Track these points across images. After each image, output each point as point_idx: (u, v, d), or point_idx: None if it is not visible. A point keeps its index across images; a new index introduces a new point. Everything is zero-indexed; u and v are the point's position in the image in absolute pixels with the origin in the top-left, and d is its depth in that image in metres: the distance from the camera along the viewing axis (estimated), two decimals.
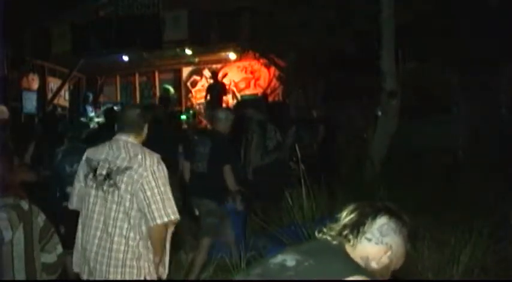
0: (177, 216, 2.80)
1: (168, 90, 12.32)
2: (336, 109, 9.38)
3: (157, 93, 13.16)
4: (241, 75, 12.66)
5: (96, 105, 12.90)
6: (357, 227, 1.65)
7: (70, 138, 5.05)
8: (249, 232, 5.33)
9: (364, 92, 9.00)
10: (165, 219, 2.74)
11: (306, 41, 9.37)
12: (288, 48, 10.51)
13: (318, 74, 10.62)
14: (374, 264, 1.63)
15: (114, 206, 2.77)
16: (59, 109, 12.38)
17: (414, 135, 8.45)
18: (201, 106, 12.54)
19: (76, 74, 13.20)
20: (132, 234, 2.77)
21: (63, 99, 13.12)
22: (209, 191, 4.78)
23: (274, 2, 9.46)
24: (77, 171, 3.02)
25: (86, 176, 2.90)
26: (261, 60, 12.01)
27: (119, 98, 13.67)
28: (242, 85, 12.62)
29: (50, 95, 12.66)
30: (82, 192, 2.92)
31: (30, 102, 12.10)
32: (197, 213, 4.96)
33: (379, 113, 8.11)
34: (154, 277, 2.89)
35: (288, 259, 1.58)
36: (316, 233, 1.72)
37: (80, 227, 2.88)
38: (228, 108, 9.07)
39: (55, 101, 12.63)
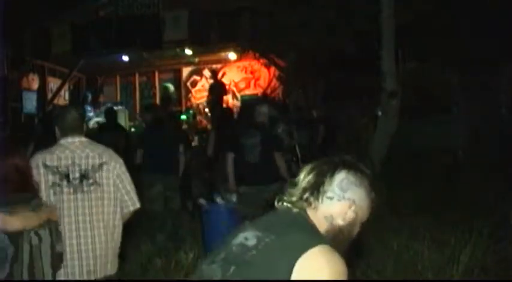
0: None
1: (168, 88, 12.30)
2: (336, 109, 9.38)
3: (158, 93, 13.17)
4: (241, 75, 12.66)
5: (95, 105, 12.91)
6: (316, 188, 1.59)
7: None
8: None
9: (364, 92, 9.00)
10: (139, 204, 3.05)
11: (306, 41, 9.37)
12: (288, 48, 10.51)
13: (318, 74, 10.62)
14: (340, 221, 1.59)
15: (100, 202, 2.90)
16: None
17: (414, 135, 8.46)
18: (201, 106, 12.55)
19: (76, 74, 13.20)
20: (117, 222, 2.98)
21: (63, 99, 13.12)
22: (267, 178, 5.07)
23: (274, 2, 9.46)
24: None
25: (55, 185, 2.86)
26: (261, 60, 12.01)
27: (118, 98, 13.67)
28: (242, 85, 12.62)
29: (50, 95, 12.65)
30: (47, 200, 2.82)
31: (30, 102, 12.09)
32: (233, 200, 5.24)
33: (379, 113, 8.12)
34: None
35: (249, 237, 1.52)
36: (275, 203, 1.64)
37: (64, 236, 2.79)
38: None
39: (55, 101, 12.63)
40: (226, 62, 12.48)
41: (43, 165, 2.86)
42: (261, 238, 1.50)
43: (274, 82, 12.13)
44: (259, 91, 12.18)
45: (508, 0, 7.95)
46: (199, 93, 12.95)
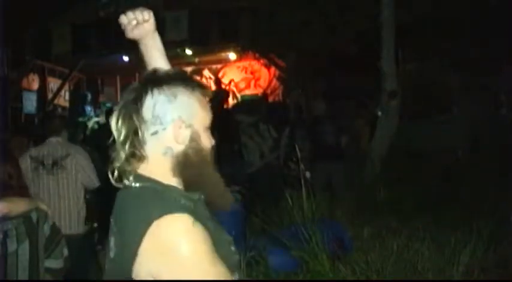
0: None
1: None
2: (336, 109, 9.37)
3: None
4: (241, 75, 12.66)
5: (95, 105, 12.92)
6: (133, 135, 1.26)
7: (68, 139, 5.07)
8: (249, 233, 5.33)
9: (364, 92, 9.00)
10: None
11: (306, 41, 9.37)
12: (288, 48, 10.51)
13: (318, 74, 10.62)
14: (178, 147, 1.27)
15: (65, 181, 4.14)
16: (59, 109, 12.39)
17: (414, 136, 8.45)
18: None
19: (76, 74, 13.21)
20: (80, 195, 4.25)
21: (63, 99, 13.13)
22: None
23: (274, 2, 9.46)
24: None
25: (36, 169, 4.13)
26: (261, 60, 12.01)
27: (119, 98, 13.66)
28: (242, 85, 12.62)
29: (50, 95, 12.66)
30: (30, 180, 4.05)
31: (30, 102, 12.11)
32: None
33: (379, 113, 8.11)
34: None
35: (112, 246, 1.26)
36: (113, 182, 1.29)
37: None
38: None
39: (55, 101, 12.64)
40: (226, 62, 12.47)
41: (29, 157, 4.16)
42: (116, 245, 1.24)
43: (274, 82, 12.14)
44: (259, 91, 12.18)
45: (508, 0, 7.95)
46: None
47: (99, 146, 5.48)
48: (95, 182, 4.27)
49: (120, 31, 1.63)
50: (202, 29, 11.35)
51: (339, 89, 10.03)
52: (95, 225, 4.85)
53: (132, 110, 1.27)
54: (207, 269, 1.15)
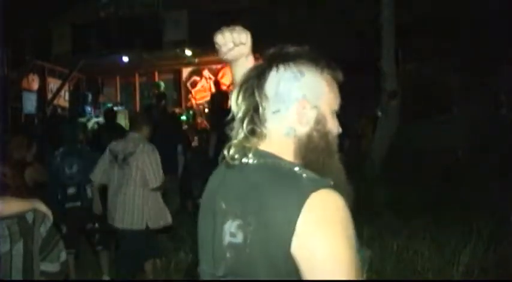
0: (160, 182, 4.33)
1: (159, 85, 12.13)
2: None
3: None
4: None
5: (95, 105, 12.91)
6: (254, 112, 1.20)
7: (68, 140, 5.07)
8: None
9: (364, 92, 9.00)
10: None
11: (306, 41, 9.36)
12: None
13: None
14: (301, 129, 1.21)
15: (128, 176, 4.24)
16: (59, 109, 12.38)
17: (414, 136, 8.45)
18: (201, 107, 12.53)
19: (76, 74, 13.20)
20: (139, 192, 4.26)
21: (63, 99, 13.12)
22: None
23: (274, 2, 9.46)
24: (103, 157, 4.44)
25: (111, 161, 4.35)
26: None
27: (118, 98, 13.67)
28: None
29: (50, 95, 12.65)
30: (107, 170, 4.38)
31: (30, 103, 12.10)
32: None
33: (379, 113, 8.12)
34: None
35: (234, 231, 1.15)
36: (229, 158, 1.24)
37: (110, 192, 4.35)
38: None
39: (55, 101, 12.63)
40: (226, 62, 12.44)
41: (109, 149, 4.41)
42: (243, 227, 1.14)
43: None
44: None
45: (508, 0, 7.95)
46: (199, 94, 12.94)
47: (99, 146, 5.48)
48: (153, 182, 4.24)
49: (120, 31, 1.60)
50: (202, 29, 11.32)
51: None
52: (96, 225, 4.84)
53: (255, 86, 1.21)
54: (353, 250, 1.08)
